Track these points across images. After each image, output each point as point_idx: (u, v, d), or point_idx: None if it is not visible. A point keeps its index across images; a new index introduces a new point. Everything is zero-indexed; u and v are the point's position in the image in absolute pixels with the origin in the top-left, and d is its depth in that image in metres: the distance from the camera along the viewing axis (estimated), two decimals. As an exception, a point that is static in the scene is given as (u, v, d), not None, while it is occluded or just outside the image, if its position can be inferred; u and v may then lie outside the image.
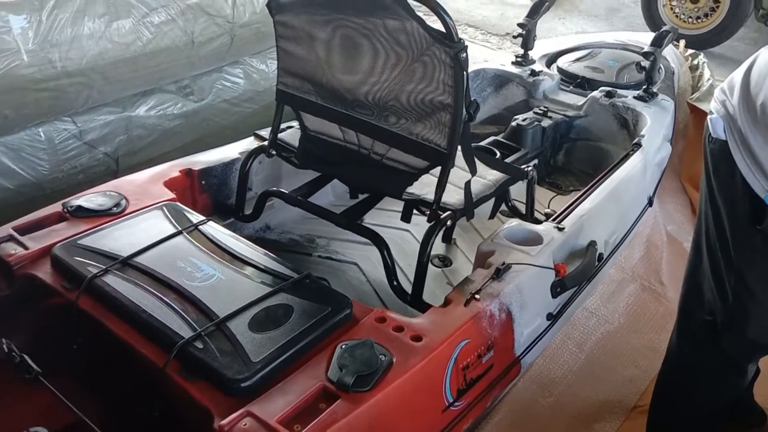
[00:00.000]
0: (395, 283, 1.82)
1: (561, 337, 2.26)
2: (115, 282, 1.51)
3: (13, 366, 1.34)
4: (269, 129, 2.12)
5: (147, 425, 1.34)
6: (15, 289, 1.56)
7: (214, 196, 2.09)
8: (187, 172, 2.02)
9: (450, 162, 1.71)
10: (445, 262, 2.27)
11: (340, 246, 2.27)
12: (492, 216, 2.21)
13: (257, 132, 2.27)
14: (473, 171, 1.79)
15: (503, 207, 2.24)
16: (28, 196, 2.52)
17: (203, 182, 2.05)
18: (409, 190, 1.84)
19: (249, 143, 2.21)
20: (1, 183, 2.47)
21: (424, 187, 1.85)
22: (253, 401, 1.27)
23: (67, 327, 1.49)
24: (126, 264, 1.56)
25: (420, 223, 2.12)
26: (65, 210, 1.75)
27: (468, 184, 1.81)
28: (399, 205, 1.97)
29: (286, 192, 2.02)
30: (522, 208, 2.22)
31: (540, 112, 2.88)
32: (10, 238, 1.63)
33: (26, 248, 1.60)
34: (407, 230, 2.31)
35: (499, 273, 1.68)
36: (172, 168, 2.02)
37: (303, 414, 1.26)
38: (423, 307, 1.72)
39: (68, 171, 2.63)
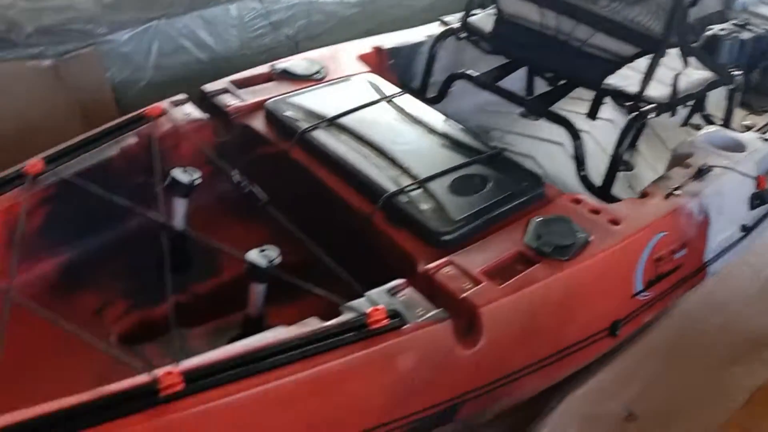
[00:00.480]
0: (582, 173, 1.79)
1: (737, 261, 2.15)
2: (324, 137, 1.60)
3: (240, 195, 1.48)
4: (454, 16, 2.10)
5: (351, 267, 1.43)
6: (232, 136, 1.69)
7: (400, 76, 2.13)
8: (378, 50, 2.06)
9: (663, 50, 1.62)
10: (627, 166, 2.20)
11: (515, 139, 2.25)
12: (686, 123, 2.09)
13: (442, 18, 2.26)
14: (686, 62, 1.68)
15: (693, 120, 2.12)
16: (218, 69, 2.68)
17: (391, 61, 2.09)
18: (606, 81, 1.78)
19: (434, 28, 2.22)
20: (196, 54, 2.65)
21: (622, 79, 1.78)
22: (454, 253, 1.33)
23: (277, 174, 1.60)
24: (333, 123, 1.65)
25: (598, 126, 2.06)
26: (272, 71, 1.87)
27: (677, 77, 1.71)
28: (577, 106, 1.91)
29: (474, 75, 2.01)
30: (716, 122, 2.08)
31: (739, 24, 2.62)
32: (227, 91, 1.77)
33: (242, 100, 1.73)
34: (587, 131, 2.25)
35: (701, 173, 1.61)
36: (364, 44, 2.08)
37: (501, 271, 1.30)
38: (611, 200, 1.69)
39: (254, 49, 2.77)
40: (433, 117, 1.73)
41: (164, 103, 1.66)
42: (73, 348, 1.34)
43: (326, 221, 1.46)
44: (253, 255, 1.27)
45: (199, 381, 1.02)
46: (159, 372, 1.01)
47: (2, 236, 1.37)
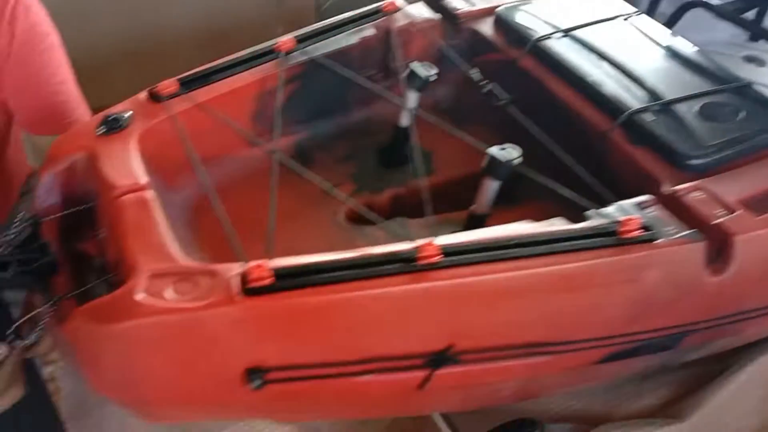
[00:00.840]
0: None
1: None
2: (558, 48, 1.55)
3: (460, 99, 1.48)
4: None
5: (578, 180, 1.39)
6: (459, 40, 1.68)
7: None
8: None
9: None
10: None
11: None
12: None
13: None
14: None
15: None
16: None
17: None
18: None
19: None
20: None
21: None
22: (703, 179, 1.25)
23: (503, 82, 1.57)
24: (567, 34, 1.59)
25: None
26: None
27: None
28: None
29: (714, 5, 1.86)
30: None
31: None
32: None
33: (471, 4, 1.70)
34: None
35: None
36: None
37: (756, 204, 1.21)
38: None
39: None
40: (674, 41, 1.62)
41: (399, 0, 1.66)
42: (305, 217, 1.43)
43: (553, 133, 1.42)
44: (494, 150, 1.26)
45: (454, 257, 1.04)
46: (419, 242, 1.04)
47: (252, 106, 1.45)
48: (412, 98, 1.51)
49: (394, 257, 1.03)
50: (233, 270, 1.00)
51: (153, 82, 1.39)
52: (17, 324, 1.04)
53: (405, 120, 1.56)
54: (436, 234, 1.16)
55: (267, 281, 0.98)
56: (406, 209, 1.54)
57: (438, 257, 1.03)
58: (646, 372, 1.42)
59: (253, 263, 0.99)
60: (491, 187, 1.30)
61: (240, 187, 1.43)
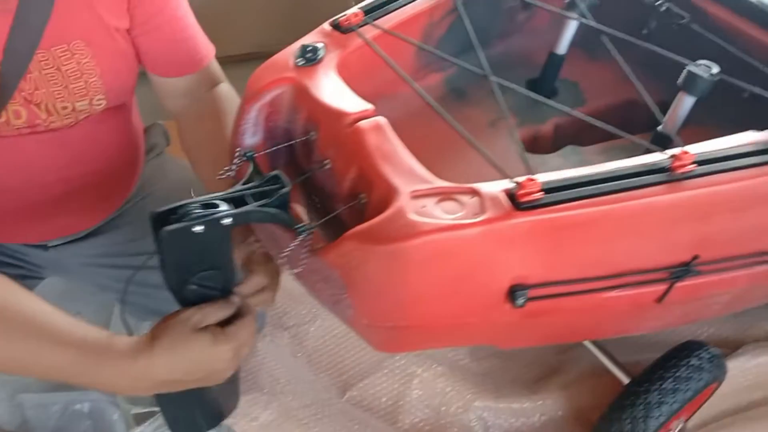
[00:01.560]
0: None
1: None
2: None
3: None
4: None
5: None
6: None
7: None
8: None
9: None
10: None
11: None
12: None
13: None
14: None
15: None
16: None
17: None
18: None
19: None
20: None
21: None
22: None
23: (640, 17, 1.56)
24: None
25: None
26: None
27: None
28: None
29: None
30: None
31: None
32: None
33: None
34: None
35: None
36: None
37: None
38: None
39: None
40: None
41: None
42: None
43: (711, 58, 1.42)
44: (692, 65, 1.26)
45: (708, 165, 1.04)
46: (674, 152, 1.04)
47: (418, 38, 1.42)
48: (571, 27, 1.49)
49: (650, 168, 1.03)
50: (496, 187, 0.99)
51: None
52: (284, 254, 1.01)
53: (562, 48, 1.54)
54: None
55: (538, 196, 0.97)
56: (568, 138, 1.54)
57: (693, 166, 1.03)
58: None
59: (521, 178, 0.98)
60: (686, 103, 1.30)
61: (414, 119, 1.40)
